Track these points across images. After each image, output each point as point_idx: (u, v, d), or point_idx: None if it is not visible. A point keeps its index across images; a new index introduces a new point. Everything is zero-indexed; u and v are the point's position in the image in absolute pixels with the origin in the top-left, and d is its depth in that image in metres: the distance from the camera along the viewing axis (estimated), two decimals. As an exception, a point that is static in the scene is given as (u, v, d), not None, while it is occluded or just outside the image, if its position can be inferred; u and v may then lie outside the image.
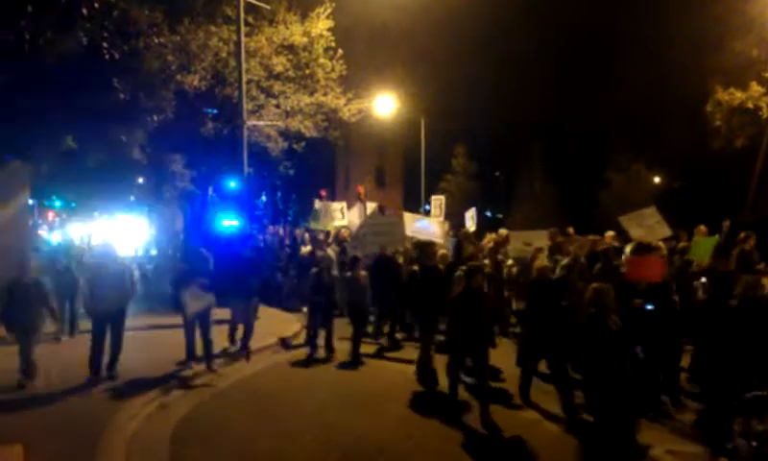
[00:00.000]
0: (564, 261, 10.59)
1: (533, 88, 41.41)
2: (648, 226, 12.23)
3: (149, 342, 11.62)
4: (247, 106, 16.63)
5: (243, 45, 15.84)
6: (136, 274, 10.31)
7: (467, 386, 8.66)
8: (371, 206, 17.38)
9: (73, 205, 37.00)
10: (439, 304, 9.04)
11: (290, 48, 18.51)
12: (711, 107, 28.17)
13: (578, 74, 40.63)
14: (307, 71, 18.88)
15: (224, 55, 17.70)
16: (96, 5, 13.81)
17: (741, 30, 26.11)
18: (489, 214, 46.57)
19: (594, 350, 6.05)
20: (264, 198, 49.95)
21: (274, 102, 19.05)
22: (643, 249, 9.72)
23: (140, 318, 12.76)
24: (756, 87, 26.04)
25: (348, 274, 11.71)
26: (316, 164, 39.18)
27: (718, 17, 26.67)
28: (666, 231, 12.20)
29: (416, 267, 10.52)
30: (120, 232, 30.84)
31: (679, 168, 40.44)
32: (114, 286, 9.23)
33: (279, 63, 18.26)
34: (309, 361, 10.94)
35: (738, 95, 26.50)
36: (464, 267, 8.79)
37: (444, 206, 18.06)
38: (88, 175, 23.35)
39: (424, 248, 10.95)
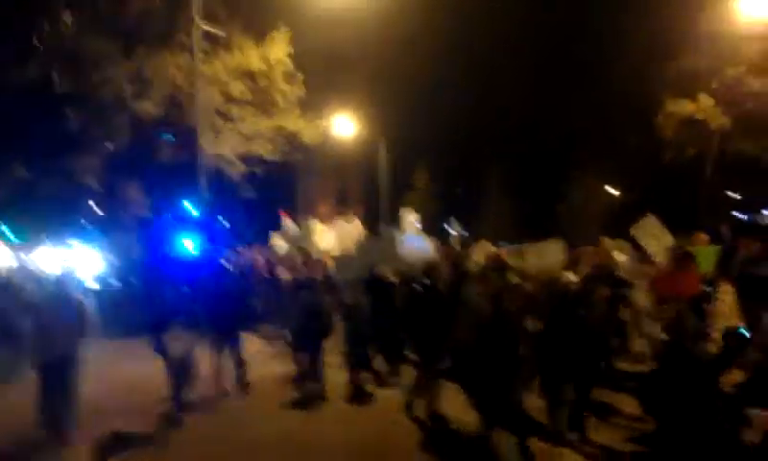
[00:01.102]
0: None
1: (492, 103, 41.92)
2: (654, 234, 11.72)
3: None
4: (204, 131, 16.41)
5: (199, 73, 15.66)
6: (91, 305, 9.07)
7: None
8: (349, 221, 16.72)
9: (24, 236, 35.98)
10: (445, 330, 8.36)
11: (248, 74, 18.38)
12: (662, 118, 28.87)
13: (535, 92, 41.23)
14: (266, 96, 18.78)
15: (179, 82, 17.47)
16: (48, 36, 13.51)
17: (691, 42, 26.86)
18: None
19: (677, 385, 4.91)
20: (224, 221, 49.32)
21: (231, 126, 18.87)
22: (676, 261, 8.97)
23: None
24: (704, 99, 26.77)
25: (347, 297, 10.90)
26: (276, 185, 38.86)
27: (668, 29, 27.40)
28: (670, 239, 11.66)
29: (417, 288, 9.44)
30: (76, 261, 30.18)
31: (633, 180, 41.28)
32: (64, 325, 7.96)
33: (237, 89, 18.11)
34: (308, 398, 9.76)
35: (688, 107, 27.21)
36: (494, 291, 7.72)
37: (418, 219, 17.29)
38: (41, 204, 22.78)
39: (429, 268, 9.69)
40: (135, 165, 19.68)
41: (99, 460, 7.53)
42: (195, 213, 17.48)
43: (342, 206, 49.65)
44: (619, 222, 37.53)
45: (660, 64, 28.48)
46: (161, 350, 8.95)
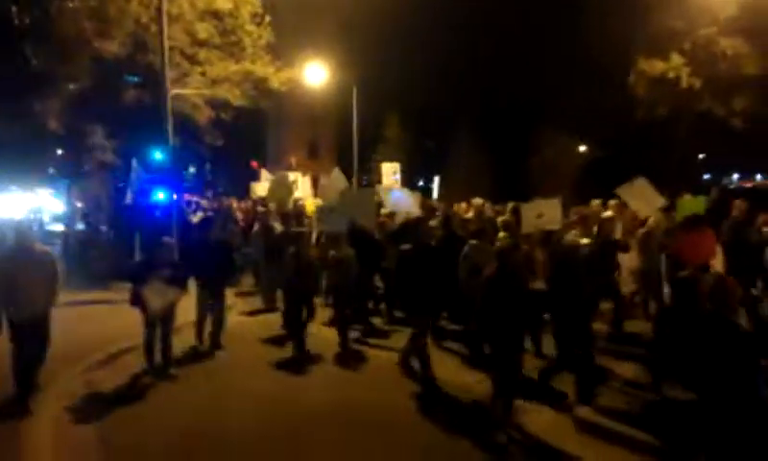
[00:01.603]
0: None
1: (463, 58, 41.65)
2: (644, 196, 11.33)
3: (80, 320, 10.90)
4: (170, 74, 15.96)
5: (164, 10, 15.14)
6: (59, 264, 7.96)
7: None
8: (333, 175, 15.94)
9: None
10: (438, 290, 8.12)
11: (214, 14, 17.89)
12: (634, 77, 28.99)
13: (511, 44, 40.96)
14: (233, 38, 18.32)
15: (144, 20, 16.93)
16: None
17: (664, 1, 26.86)
18: (421, 184, 46.81)
19: (719, 360, 4.59)
20: (192, 169, 48.80)
21: (199, 70, 18.43)
22: (693, 225, 8.56)
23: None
24: (676, 58, 26.90)
25: (332, 252, 10.16)
26: (246, 134, 38.41)
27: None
28: (660, 201, 11.35)
29: (405, 246, 8.92)
30: (40, 206, 29.72)
31: (604, 137, 41.53)
32: (36, 283, 7.28)
33: (203, 30, 17.63)
34: (302, 359, 9.19)
35: (660, 65, 27.34)
36: (497, 245, 7.21)
37: (399, 173, 16.95)
38: (3, 146, 22.21)
39: (418, 223, 9.32)
40: (99, 108, 19.18)
41: (78, 419, 7.00)
42: (160, 158, 17.13)
43: (313, 156, 49.43)
44: (589, 178, 38.06)
45: (633, 22, 28.47)
46: (139, 303, 8.36)
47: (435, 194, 16.03)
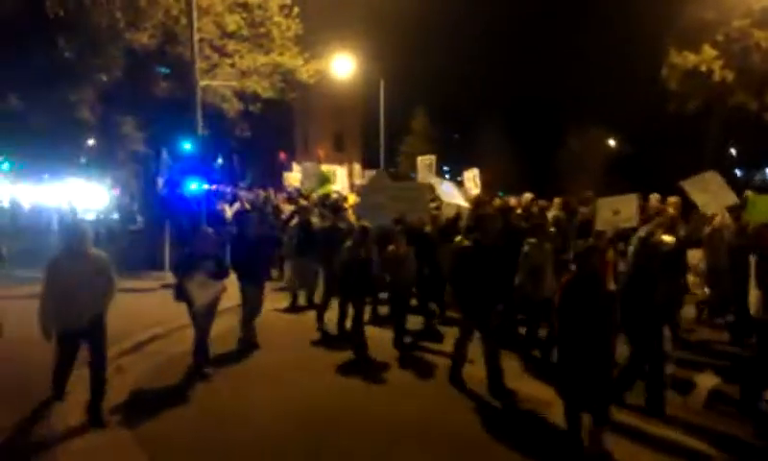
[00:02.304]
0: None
1: (493, 51, 41.44)
2: (712, 191, 10.78)
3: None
4: (200, 65, 16.16)
5: (194, 2, 15.32)
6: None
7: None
8: (375, 174, 15.26)
9: (21, 166, 35.92)
10: (498, 292, 7.66)
11: (244, 6, 18.04)
12: (666, 70, 28.61)
13: (539, 37, 40.68)
14: (262, 30, 18.46)
15: (174, 12, 17.13)
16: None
17: (696, -7, 26.45)
18: (447, 177, 46.81)
19: None
20: (221, 160, 49.24)
21: (228, 61, 18.61)
22: None
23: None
24: (709, 51, 26.46)
25: (391, 248, 9.63)
26: (274, 126, 38.65)
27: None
28: (732, 198, 10.79)
29: (465, 242, 8.25)
30: (79, 196, 30.37)
31: (634, 132, 41.06)
32: (90, 291, 6.60)
33: (233, 21, 17.79)
34: (365, 364, 8.70)
35: (692, 58, 26.93)
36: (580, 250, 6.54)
37: (478, 179, 16.00)
38: (36, 136, 22.67)
39: (481, 220, 8.29)
40: (130, 99, 19.46)
41: (123, 422, 6.69)
42: (190, 149, 17.35)
43: (339, 148, 49.57)
44: (618, 173, 37.65)
45: (665, 14, 28.07)
46: (185, 298, 7.92)
47: (468, 186, 15.62)
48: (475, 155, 46.51)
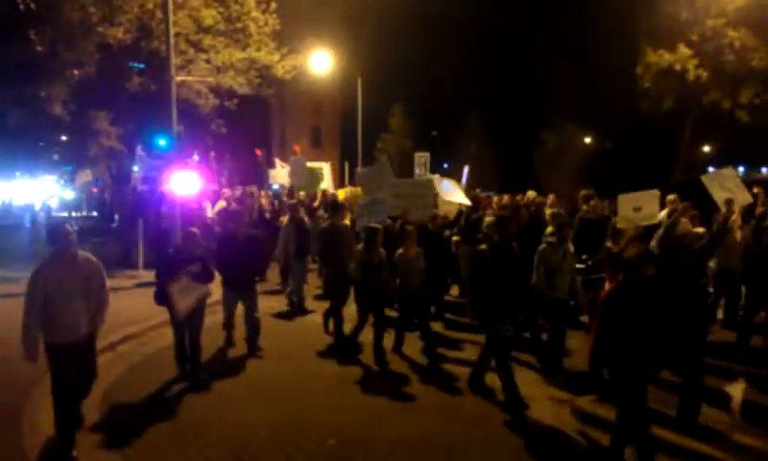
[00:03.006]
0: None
1: (470, 49, 41.52)
2: (729, 188, 10.44)
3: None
4: (175, 60, 15.90)
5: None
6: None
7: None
8: (378, 166, 14.63)
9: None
10: (516, 296, 7.27)
11: (220, 0, 17.81)
12: (641, 69, 28.90)
13: (516, 34, 40.82)
14: (239, 25, 18.24)
15: (150, 6, 16.86)
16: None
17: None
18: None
19: None
20: (196, 157, 48.70)
21: (204, 57, 18.34)
22: None
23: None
24: (683, 50, 26.79)
25: (400, 251, 9.01)
26: (250, 123, 38.34)
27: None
28: (747, 197, 10.52)
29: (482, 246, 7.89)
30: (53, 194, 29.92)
31: (609, 129, 41.46)
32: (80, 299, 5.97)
33: (209, 16, 17.55)
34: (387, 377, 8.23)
35: (666, 57, 27.23)
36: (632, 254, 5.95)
37: (428, 162, 16.22)
38: (9, 132, 22.22)
39: (501, 220, 7.64)
40: (104, 95, 19.10)
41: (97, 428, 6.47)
42: (165, 146, 17.07)
43: (316, 145, 49.31)
44: (594, 170, 37.93)
45: (640, 13, 28.38)
46: (166, 303, 7.59)
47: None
48: (453, 152, 46.76)
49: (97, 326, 6.21)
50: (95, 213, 20.30)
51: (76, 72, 17.21)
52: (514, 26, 40.73)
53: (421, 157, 16.77)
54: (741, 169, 47.38)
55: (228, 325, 9.30)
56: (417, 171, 16.61)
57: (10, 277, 13.40)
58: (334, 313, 9.73)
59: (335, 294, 9.76)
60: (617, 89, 33.02)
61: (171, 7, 14.72)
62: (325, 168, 18.97)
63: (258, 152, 44.83)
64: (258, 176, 21.88)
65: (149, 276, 11.02)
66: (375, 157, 47.55)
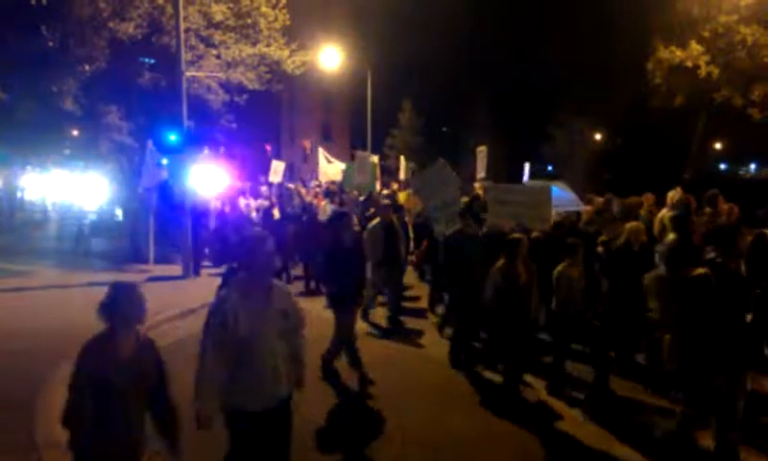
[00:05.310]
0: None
1: (481, 44, 41.41)
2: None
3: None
4: (185, 56, 16.00)
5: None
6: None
7: None
8: (436, 167, 12.89)
9: (4, 157, 35.46)
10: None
11: (230, -6, 17.92)
12: (652, 65, 28.71)
13: (526, 30, 40.69)
14: (249, 20, 18.30)
15: (160, 1, 16.96)
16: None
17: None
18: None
19: None
20: (206, 152, 48.90)
21: (214, 52, 18.44)
22: None
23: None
24: (695, 46, 26.59)
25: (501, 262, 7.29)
26: (260, 118, 38.46)
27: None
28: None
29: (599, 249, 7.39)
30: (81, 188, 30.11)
31: (620, 126, 41.29)
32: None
33: (219, 11, 17.63)
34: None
35: (678, 54, 27.05)
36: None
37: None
38: (20, 126, 22.36)
39: (727, 232, 6.11)
40: (115, 90, 19.23)
41: None
42: (175, 141, 17.14)
43: (326, 140, 49.40)
44: (604, 167, 37.75)
45: (652, 9, 28.19)
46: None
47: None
48: (463, 147, 46.71)
49: (299, 380, 4.54)
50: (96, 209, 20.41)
51: (87, 67, 17.34)
52: (524, 22, 40.58)
53: (482, 151, 15.96)
54: (753, 167, 47.17)
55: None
56: (525, 178, 15.21)
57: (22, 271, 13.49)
58: (461, 343, 8.35)
59: (463, 320, 8.39)
60: (628, 86, 32.83)
61: (181, 2, 14.82)
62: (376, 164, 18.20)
63: (268, 147, 45.01)
64: (267, 171, 21.78)
65: (160, 270, 11.06)
66: (385, 153, 47.55)
